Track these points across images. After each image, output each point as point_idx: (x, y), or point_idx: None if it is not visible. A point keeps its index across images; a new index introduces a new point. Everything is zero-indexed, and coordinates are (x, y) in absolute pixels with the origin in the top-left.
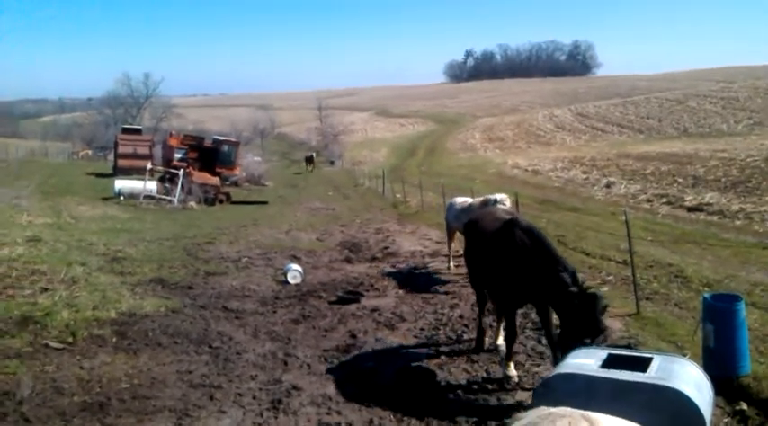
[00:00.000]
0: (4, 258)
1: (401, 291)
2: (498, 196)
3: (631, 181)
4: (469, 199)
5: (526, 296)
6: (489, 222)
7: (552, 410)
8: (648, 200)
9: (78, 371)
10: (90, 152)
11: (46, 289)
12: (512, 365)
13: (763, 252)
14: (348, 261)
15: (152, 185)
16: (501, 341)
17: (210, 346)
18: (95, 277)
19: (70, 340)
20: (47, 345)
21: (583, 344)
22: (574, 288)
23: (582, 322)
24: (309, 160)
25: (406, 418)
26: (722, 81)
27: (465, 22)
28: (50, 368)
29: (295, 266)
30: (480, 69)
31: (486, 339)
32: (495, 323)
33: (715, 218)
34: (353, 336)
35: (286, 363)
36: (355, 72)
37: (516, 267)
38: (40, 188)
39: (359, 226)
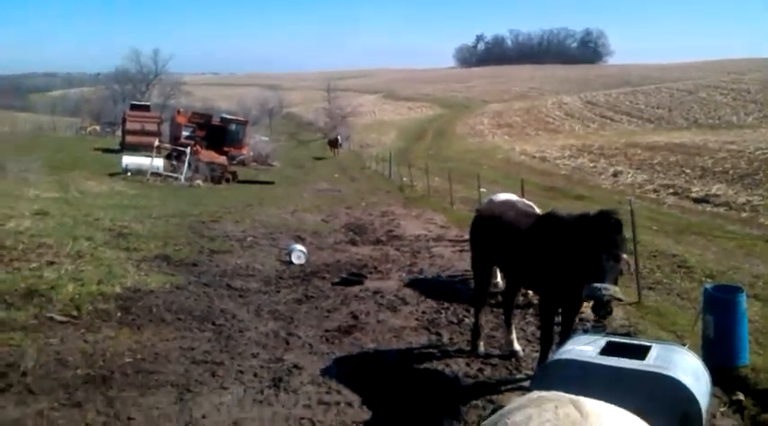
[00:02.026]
0: (11, 231)
1: (405, 274)
2: None
3: (639, 171)
4: (514, 197)
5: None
6: (519, 217)
7: (542, 393)
8: (655, 190)
9: (82, 345)
10: (98, 127)
11: (52, 263)
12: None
13: None
14: (353, 243)
15: (159, 162)
16: (517, 346)
17: (214, 323)
18: (101, 252)
19: (75, 313)
20: (51, 318)
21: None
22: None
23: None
24: (334, 143)
25: (405, 399)
26: (733, 72)
27: (476, 6)
28: (54, 341)
29: (299, 247)
30: (491, 54)
31: (481, 342)
32: (504, 325)
33: (721, 210)
34: (355, 317)
35: (288, 342)
36: (365, 54)
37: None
38: (48, 162)
39: (364, 208)
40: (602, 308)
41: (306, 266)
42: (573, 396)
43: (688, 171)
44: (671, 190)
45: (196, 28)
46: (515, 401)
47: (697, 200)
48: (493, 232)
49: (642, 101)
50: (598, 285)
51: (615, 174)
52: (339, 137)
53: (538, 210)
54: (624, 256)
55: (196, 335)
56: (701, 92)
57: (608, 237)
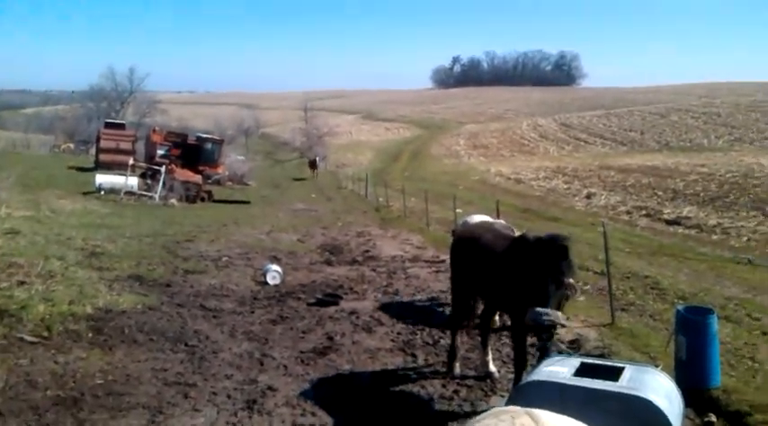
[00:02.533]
0: None
1: (380, 295)
2: None
3: (612, 193)
4: (488, 218)
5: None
6: (495, 240)
7: (500, 408)
8: (628, 212)
9: (52, 366)
10: (72, 145)
11: (22, 283)
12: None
13: (738, 267)
14: (328, 263)
15: (133, 181)
16: (492, 367)
17: (187, 344)
18: (73, 271)
19: (45, 334)
20: (21, 339)
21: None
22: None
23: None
24: (313, 164)
25: (381, 421)
26: (704, 96)
27: (452, 29)
28: (24, 361)
29: (275, 267)
30: (467, 76)
31: (457, 364)
32: (480, 347)
33: (693, 232)
34: (331, 338)
35: (262, 363)
36: (342, 75)
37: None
38: (21, 180)
39: (340, 228)
40: (544, 332)
41: (281, 286)
42: (528, 409)
43: (660, 193)
44: (643, 212)
45: (172, 46)
46: (476, 417)
47: (669, 222)
48: (470, 254)
49: (615, 123)
50: (540, 310)
51: (589, 196)
52: (317, 158)
53: (517, 233)
54: (570, 281)
55: (169, 356)
56: (672, 115)
57: (552, 262)
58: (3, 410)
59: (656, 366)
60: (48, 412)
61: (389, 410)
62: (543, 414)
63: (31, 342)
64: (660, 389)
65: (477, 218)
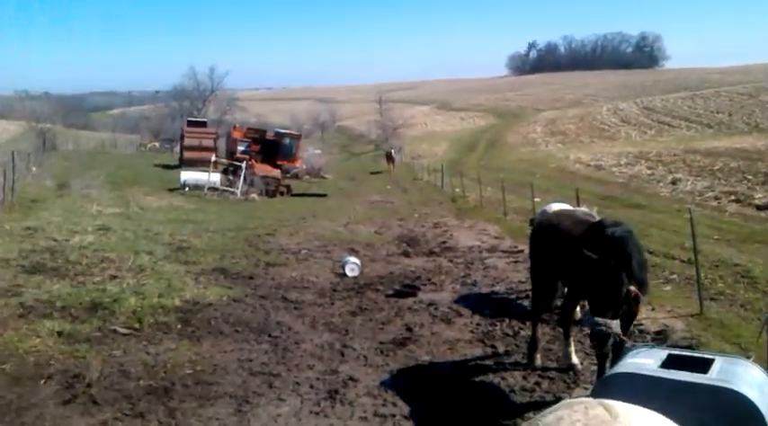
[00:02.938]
0: (76, 246)
1: (458, 286)
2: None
3: (698, 178)
4: (568, 206)
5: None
6: (574, 225)
7: (574, 399)
8: (716, 198)
9: (144, 356)
10: (157, 144)
11: (114, 277)
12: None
13: None
14: (406, 254)
15: (216, 177)
16: (575, 359)
17: (270, 335)
18: (161, 265)
19: (137, 326)
20: (114, 330)
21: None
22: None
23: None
24: (389, 157)
25: (461, 412)
26: None
27: (528, 14)
28: (118, 352)
29: (353, 259)
30: (543, 62)
31: (538, 355)
32: (562, 339)
33: None
34: (410, 329)
35: (343, 354)
36: (416, 65)
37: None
38: (110, 178)
39: (417, 219)
40: (598, 340)
41: (359, 278)
42: (601, 400)
43: (750, 177)
44: (732, 198)
45: (249, 44)
46: (550, 408)
47: (760, 208)
48: (550, 241)
49: (701, 105)
50: (596, 319)
51: (674, 182)
52: (393, 150)
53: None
54: (631, 288)
55: (253, 347)
56: (762, 95)
57: (613, 272)
58: (98, 399)
59: (748, 357)
60: (140, 401)
61: (469, 400)
62: (618, 405)
63: (124, 334)
64: (752, 381)
65: (557, 207)
